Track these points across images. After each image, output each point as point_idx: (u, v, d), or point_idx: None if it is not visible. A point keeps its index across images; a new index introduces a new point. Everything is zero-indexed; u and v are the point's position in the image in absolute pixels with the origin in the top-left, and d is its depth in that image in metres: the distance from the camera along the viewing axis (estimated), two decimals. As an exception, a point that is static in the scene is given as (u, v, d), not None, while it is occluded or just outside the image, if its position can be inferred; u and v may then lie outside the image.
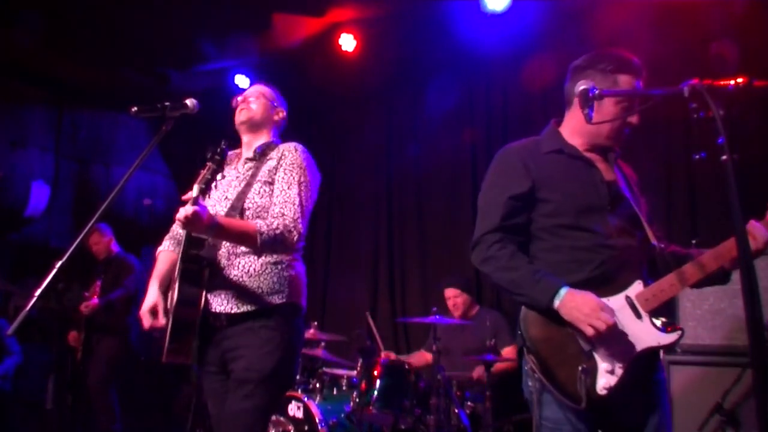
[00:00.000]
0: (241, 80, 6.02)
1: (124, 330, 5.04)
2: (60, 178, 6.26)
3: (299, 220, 2.28)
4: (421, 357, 4.78)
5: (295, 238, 2.26)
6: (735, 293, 3.18)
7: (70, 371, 5.08)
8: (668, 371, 3.25)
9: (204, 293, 2.27)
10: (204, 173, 2.07)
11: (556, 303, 1.90)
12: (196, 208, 2.03)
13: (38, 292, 1.77)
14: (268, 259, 2.33)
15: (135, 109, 2.19)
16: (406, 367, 4.06)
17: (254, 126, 2.58)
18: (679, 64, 4.28)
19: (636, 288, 1.94)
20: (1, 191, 5.70)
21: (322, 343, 4.56)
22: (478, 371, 4.28)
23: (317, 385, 4.32)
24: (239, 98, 2.62)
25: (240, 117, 2.58)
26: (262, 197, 2.37)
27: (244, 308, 2.29)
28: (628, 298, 1.94)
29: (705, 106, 1.52)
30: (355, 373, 4.28)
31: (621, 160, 2.22)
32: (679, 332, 1.92)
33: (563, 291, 1.90)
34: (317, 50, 5.62)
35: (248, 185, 2.41)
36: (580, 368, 1.87)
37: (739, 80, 1.53)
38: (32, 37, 5.21)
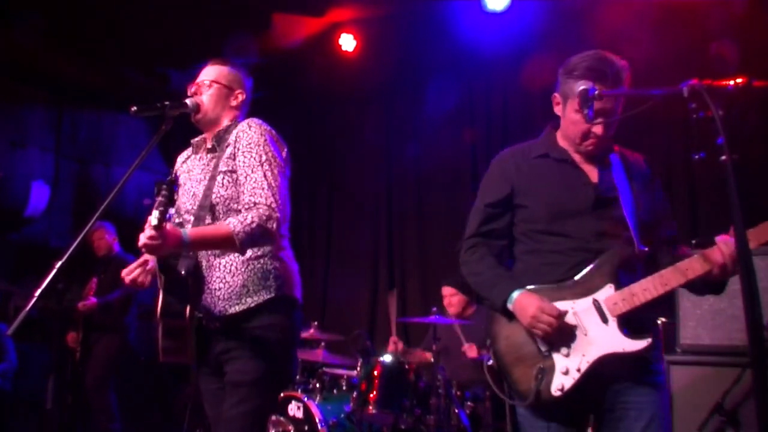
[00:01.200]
0: (241, 80, 6.00)
1: (122, 330, 5.04)
2: (60, 178, 6.26)
3: (274, 205, 2.13)
4: (420, 356, 4.79)
5: (275, 226, 2.12)
6: (735, 293, 3.17)
7: (70, 371, 5.07)
8: (668, 371, 3.25)
9: (190, 303, 2.17)
10: (157, 204, 1.92)
11: (509, 306, 1.98)
12: (154, 233, 1.89)
13: (38, 292, 1.77)
14: (249, 254, 2.22)
15: (135, 108, 2.17)
16: (406, 367, 4.06)
17: (209, 123, 2.39)
18: (679, 64, 4.28)
19: (606, 292, 1.93)
20: (1, 191, 5.69)
21: (322, 343, 4.56)
22: (471, 351, 4.28)
23: (317, 385, 4.32)
24: (193, 87, 2.41)
25: (194, 116, 2.37)
26: (226, 189, 2.23)
27: (233, 309, 2.20)
28: (595, 301, 1.93)
29: (704, 106, 1.51)
30: (355, 373, 4.28)
31: (637, 154, 2.16)
32: (648, 340, 1.87)
33: (515, 294, 1.97)
34: (317, 50, 5.62)
35: (212, 178, 2.28)
36: (537, 368, 1.92)
37: (739, 80, 1.53)
38: (32, 37, 5.21)
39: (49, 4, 4.95)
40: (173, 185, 1.96)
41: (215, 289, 2.23)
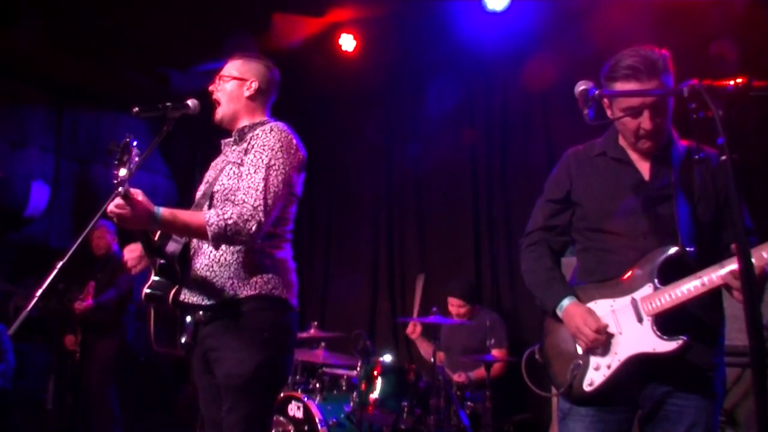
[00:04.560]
0: (241, 80, 6.00)
1: (121, 330, 5.03)
2: (60, 178, 6.26)
3: (260, 208, 2.10)
4: (426, 346, 4.79)
5: (253, 228, 2.07)
6: (735, 293, 3.18)
7: (70, 372, 5.06)
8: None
9: (175, 287, 2.16)
10: (123, 170, 1.94)
11: (559, 313, 2.04)
12: (121, 202, 1.92)
13: (39, 292, 1.77)
14: (241, 246, 2.19)
15: (137, 109, 2.18)
16: (406, 367, 4.07)
17: (229, 121, 2.44)
18: (679, 64, 4.27)
19: (644, 291, 1.93)
20: (1, 191, 5.69)
21: (322, 343, 4.56)
22: (461, 377, 4.30)
23: (317, 385, 4.32)
24: (211, 87, 2.47)
25: (215, 118, 2.45)
26: (230, 179, 2.23)
27: (214, 300, 2.16)
28: (633, 300, 1.95)
29: (704, 106, 1.51)
30: (355, 373, 4.28)
31: (712, 149, 1.92)
32: (679, 342, 1.85)
33: (565, 302, 2.04)
34: (317, 50, 5.61)
35: (222, 169, 2.30)
36: (574, 363, 1.99)
37: (739, 80, 1.53)
38: (32, 37, 5.20)
39: (49, 4, 4.95)
40: (128, 147, 1.98)
41: (201, 277, 2.19)
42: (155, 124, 6.37)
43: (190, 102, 2.32)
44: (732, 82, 1.53)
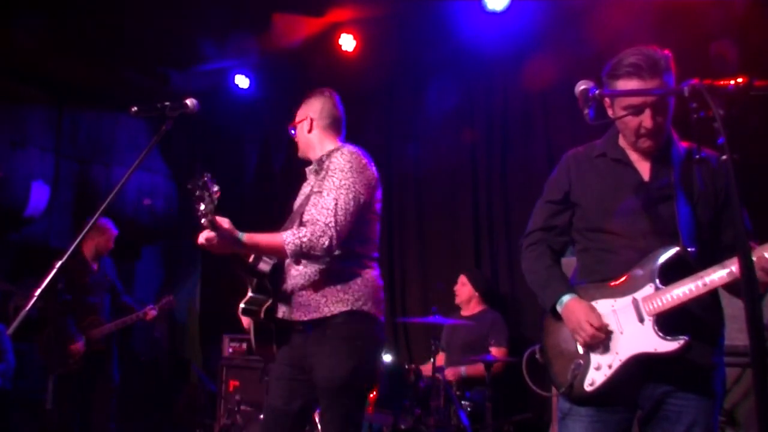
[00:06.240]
0: (241, 80, 6.01)
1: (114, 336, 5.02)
2: (60, 178, 6.25)
3: (331, 224, 2.31)
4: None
5: (326, 243, 2.29)
6: (735, 293, 3.18)
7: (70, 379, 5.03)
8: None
9: (269, 302, 2.42)
10: (203, 205, 2.11)
11: (559, 309, 2.04)
12: (211, 234, 2.13)
13: (38, 292, 1.77)
14: (330, 267, 2.40)
15: (135, 109, 2.20)
16: (406, 367, 4.06)
17: (304, 156, 2.71)
18: (680, 64, 4.27)
19: (646, 291, 1.93)
20: (1, 191, 5.69)
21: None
22: (451, 373, 4.29)
23: (317, 385, 4.31)
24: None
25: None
26: (314, 206, 2.45)
27: (309, 317, 2.39)
28: (634, 300, 1.95)
29: (705, 106, 1.51)
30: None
31: (711, 151, 1.86)
32: (681, 342, 1.85)
33: (565, 298, 2.03)
34: (317, 50, 5.61)
35: (308, 197, 2.53)
36: (575, 362, 1.99)
37: (740, 80, 1.53)
38: (32, 37, 5.20)
39: (49, 4, 4.95)
40: (207, 185, 2.13)
41: (297, 295, 2.43)
42: (155, 123, 6.37)
43: (188, 101, 2.33)
44: (733, 82, 1.52)
